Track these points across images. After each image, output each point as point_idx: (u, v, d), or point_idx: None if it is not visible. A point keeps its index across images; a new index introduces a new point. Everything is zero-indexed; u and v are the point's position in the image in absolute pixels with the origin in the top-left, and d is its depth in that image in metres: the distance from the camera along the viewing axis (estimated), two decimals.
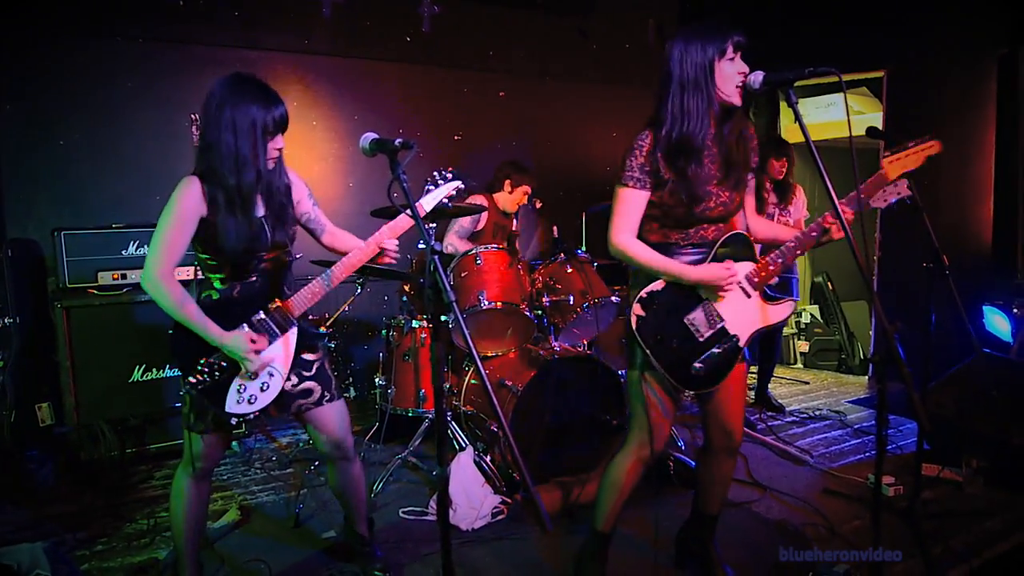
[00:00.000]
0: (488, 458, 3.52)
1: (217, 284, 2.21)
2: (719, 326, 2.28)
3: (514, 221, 4.40)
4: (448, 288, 1.71)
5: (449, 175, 2.43)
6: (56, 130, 4.17)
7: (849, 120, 1.87)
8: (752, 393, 5.02)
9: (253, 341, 2.13)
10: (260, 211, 2.21)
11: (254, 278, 2.22)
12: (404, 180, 1.86)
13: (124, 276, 3.80)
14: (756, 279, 2.29)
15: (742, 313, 2.29)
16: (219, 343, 2.09)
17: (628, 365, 2.38)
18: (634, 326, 2.24)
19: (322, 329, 2.51)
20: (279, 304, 2.22)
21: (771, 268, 2.27)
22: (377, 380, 4.10)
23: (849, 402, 5.10)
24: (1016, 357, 4.17)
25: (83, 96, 4.22)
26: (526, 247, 4.79)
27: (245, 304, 2.20)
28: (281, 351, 2.23)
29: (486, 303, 3.54)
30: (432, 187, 2.41)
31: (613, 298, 3.84)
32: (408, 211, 1.86)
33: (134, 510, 3.30)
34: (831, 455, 3.97)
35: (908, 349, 2.24)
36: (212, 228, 2.09)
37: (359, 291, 3.69)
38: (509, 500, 3.28)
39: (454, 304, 1.69)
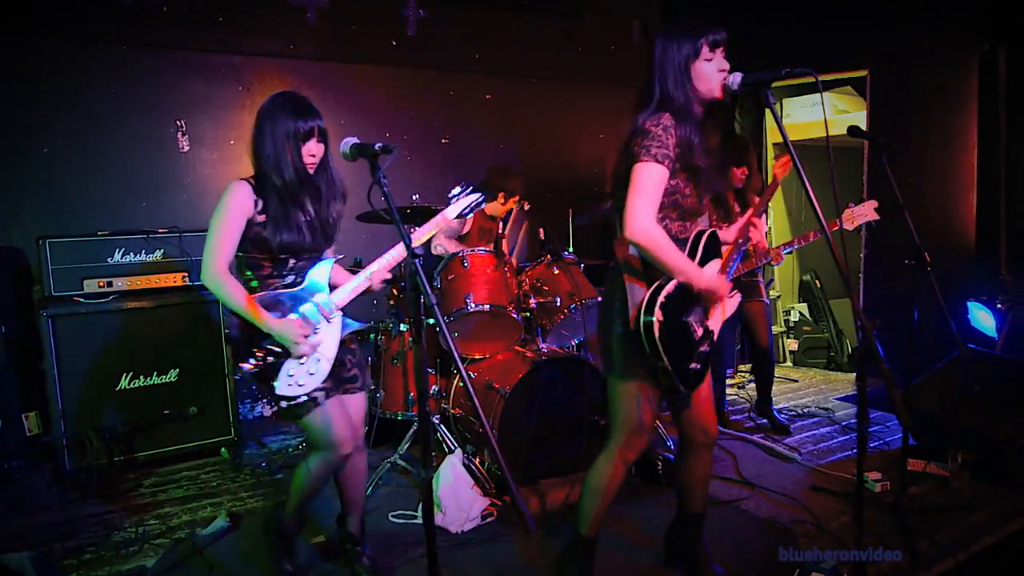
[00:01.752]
0: (477, 460, 3.52)
1: (255, 283, 2.40)
2: (705, 323, 2.32)
3: (500, 224, 4.41)
4: (429, 291, 1.71)
5: (470, 188, 2.64)
6: (40, 137, 4.15)
7: (826, 120, 1.89)
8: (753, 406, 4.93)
9: (302, 328, 2.32)
10: (307, 214, 2.41)
11: (292, 276, 2.43)
12: (385, 184, 1.87)
13: (110, 284, 3.77)
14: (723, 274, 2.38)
15: (717, 309, 2.37)
16: (270, 329, 2.28)
17: (618, 370, 2.29)
18: (656, 334, 2.13)
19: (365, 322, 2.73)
20: (325, 296, 2.43)
21: (731, 264, 2.42)
22: None
23: (837, 399, 5.13)
24: (1001, 352, 4.21)
25: (67, 102, 4.20)
26: (513, 247, 4.79)
27: (285, 299, 2.38)
28: (327, 339, 2.42)
29: (473, 305, 3.54)
30: (456, 199, 2.62)
31: (600, 299, 3.84)
32: (397, 216, 1.87)
33: (122, 519, 3.28)
34: (819, 452, 3.99)
35: (891, 346, 2.25)
36: (257, 227, 2.33)
37: None
38: (498, 502, 3.28)
39: (435, 307, 1.69)
